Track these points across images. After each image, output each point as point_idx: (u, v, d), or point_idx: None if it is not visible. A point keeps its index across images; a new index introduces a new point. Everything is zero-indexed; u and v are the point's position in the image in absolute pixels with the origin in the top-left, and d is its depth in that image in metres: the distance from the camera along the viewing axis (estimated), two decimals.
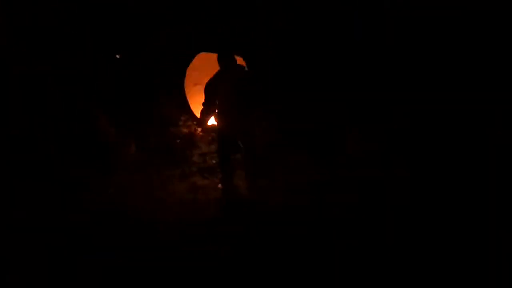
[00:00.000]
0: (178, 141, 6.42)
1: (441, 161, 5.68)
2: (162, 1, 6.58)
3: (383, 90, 6.25)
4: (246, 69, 5.84)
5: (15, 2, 6.38)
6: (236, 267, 4.16)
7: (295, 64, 6.51)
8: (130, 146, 6.20)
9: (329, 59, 6.50)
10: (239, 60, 5.78)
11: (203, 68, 6.12)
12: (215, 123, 5.57)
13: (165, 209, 5.19)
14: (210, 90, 5.33)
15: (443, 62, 6.27)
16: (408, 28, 6.31)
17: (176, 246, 4.44)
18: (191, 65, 6.55)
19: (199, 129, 6.38)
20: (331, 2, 6.49)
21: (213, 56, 5.53)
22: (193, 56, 6.56)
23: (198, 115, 5.73)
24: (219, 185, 5.70)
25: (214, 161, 6.04)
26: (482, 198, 4.99)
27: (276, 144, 6.15)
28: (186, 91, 6.63)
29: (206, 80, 5.46)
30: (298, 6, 6.57)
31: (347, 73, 6.37)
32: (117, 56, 6.44)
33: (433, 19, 6.24)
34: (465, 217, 4.81)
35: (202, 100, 5.46)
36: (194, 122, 6.49)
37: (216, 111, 5.40)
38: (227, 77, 5.32)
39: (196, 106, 6.16)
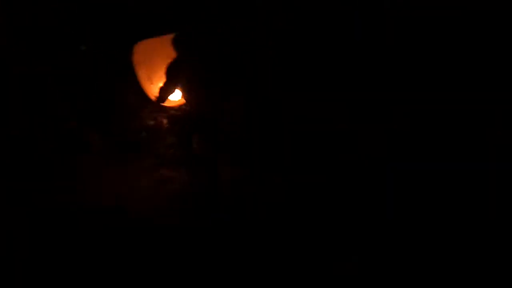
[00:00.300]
0: (144, 133, 6.27)
1: (441, 161, 5.69)
2: (162, 1, 6.57)
3: (383, 90, 6.25)
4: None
5: (15, 2, 6.37)
6: (208, 260, 4.10)
7: (295, 64, 6.50)
8: (95, 141, 6.11)
9: (329, 59, 6.49)
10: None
11: (142, 48, 6.04)
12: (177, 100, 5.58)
13: (133, 203, 5.16)
14: (174, 73, 5.33)
15: (443, 62, 6.27)
16: (408, 28, 6.30)
17: (145, 241, 4.39)
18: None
19: (165, 121, 6.26)
20: (331, 2, 6.48)
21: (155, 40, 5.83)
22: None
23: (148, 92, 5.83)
24: (184, 177, 5.65)
25: (179, 152, 5.90)
26: (482, 198, 5.01)
27: (275, 144, 6.17)
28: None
29: (145, 59, 5.69)
30: (298, 6, 6.56)
31: (347, 73, 6.37)
32: (83, 48, 6.36)
33: (433, 19, 6.24)
34: (465, 217, 4.82)
35: (145, 76, 5.69)
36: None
37: (182, 90, 5.42)
38: (189, 58, 5.35)
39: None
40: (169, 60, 5.84)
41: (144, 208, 4.87)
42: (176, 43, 5.27)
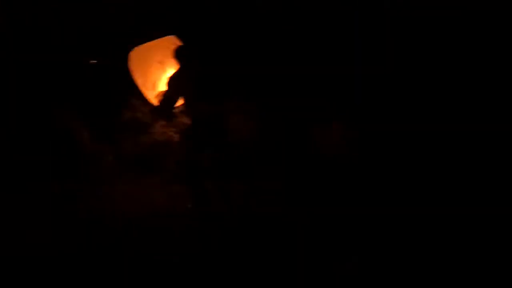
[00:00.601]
0: (154, 148, 6.13)
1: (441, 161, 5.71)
2: (162, 1, 6.56)
3: (382, 90, 6.26)
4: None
5: (15, 2, 6.36)
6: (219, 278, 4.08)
7: (294, 64, 6.49)
8: (106, 155, 6.02)
9: (329, 58, 6.48)
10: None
11: (136, 55, 6.08)
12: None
13: (144, 218, 5.09)
14: (177, 84, 5.31)
15: (443, 62, 6.28)
16: (408, 28, 6.31)
17: (156, 256, 4.35)
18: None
19: (176, 136, 6.14)
20: (331, 2, 6.48)
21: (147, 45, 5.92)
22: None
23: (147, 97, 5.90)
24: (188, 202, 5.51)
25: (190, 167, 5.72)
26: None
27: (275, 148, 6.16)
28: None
29: (139, 66, 5.84)
30: (298, 6, 6.56)
31: (347, 74, 6.37)
32: (92, 62, 6.32)
33: (433, 19, 6.24)
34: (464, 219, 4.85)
35: (140, 82, 5.81)
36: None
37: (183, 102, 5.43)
38: (190, 70, 5.34)
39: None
40: (159, 66, 5.93)
41: (153, 225, 4.87)
42: (178, 54, 5.25)
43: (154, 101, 5.81)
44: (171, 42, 5.91)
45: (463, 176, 5.41)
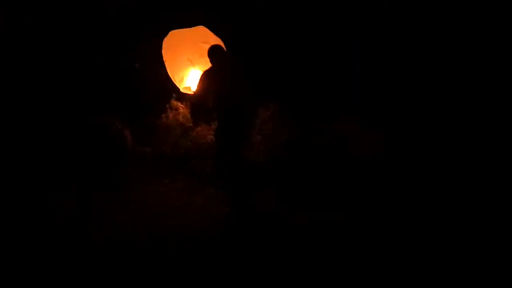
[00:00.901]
0: (192, 151, 6.13)
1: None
2: (163, 2, 6.57)
3: (383, 90, 6.27)
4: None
5: (15, 2, 6.37)
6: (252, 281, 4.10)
7: (295, 64, 6.50)
8: (145, 156, 6.02)
9: (329, 58, 6.49)
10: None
11: (171, 45, 6.37)
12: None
13: (178, 220, 5.01)
14: (206, 83, 5.34)
15: (443, 62, 6.29)
16: (408, 28, 6.32)
17: (190, 258, 4.35)
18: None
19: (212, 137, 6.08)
20: (331, 2, 6.49)
21: (179, 33, 6.26)
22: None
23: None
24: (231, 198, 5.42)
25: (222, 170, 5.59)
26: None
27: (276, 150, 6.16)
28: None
29: (173, 56, 6.27)
30: (298, 6, 6.56)
31: (347, 74, 6.38)
32: (136, 65, 6.38)
33: (433, 19, 6.25)
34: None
35: (170, 74, 6.25)
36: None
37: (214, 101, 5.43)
38: (222, 70, 5.36)
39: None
40: (188, 63, 6.29)
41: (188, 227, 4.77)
42: (211, 53, 5.28)
43: (183, 90, 6.23)
44: (201, 35, 6.24)
45: (462, 175, 5.42)
